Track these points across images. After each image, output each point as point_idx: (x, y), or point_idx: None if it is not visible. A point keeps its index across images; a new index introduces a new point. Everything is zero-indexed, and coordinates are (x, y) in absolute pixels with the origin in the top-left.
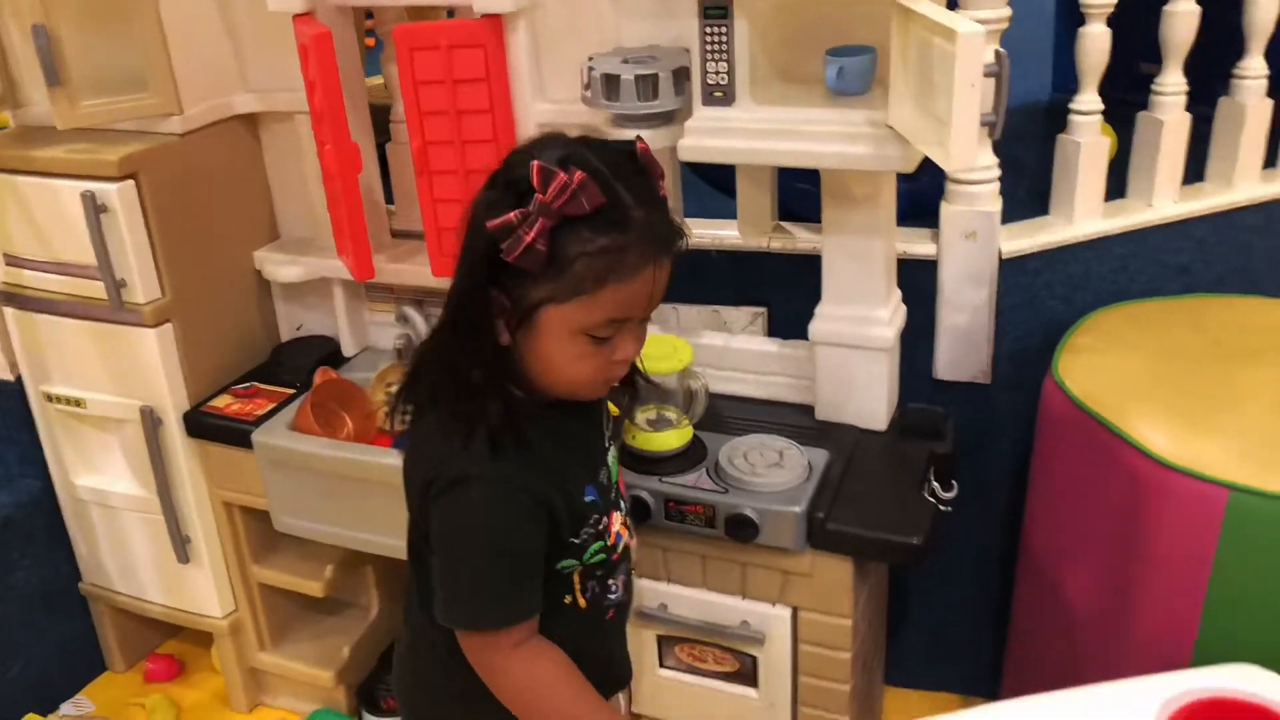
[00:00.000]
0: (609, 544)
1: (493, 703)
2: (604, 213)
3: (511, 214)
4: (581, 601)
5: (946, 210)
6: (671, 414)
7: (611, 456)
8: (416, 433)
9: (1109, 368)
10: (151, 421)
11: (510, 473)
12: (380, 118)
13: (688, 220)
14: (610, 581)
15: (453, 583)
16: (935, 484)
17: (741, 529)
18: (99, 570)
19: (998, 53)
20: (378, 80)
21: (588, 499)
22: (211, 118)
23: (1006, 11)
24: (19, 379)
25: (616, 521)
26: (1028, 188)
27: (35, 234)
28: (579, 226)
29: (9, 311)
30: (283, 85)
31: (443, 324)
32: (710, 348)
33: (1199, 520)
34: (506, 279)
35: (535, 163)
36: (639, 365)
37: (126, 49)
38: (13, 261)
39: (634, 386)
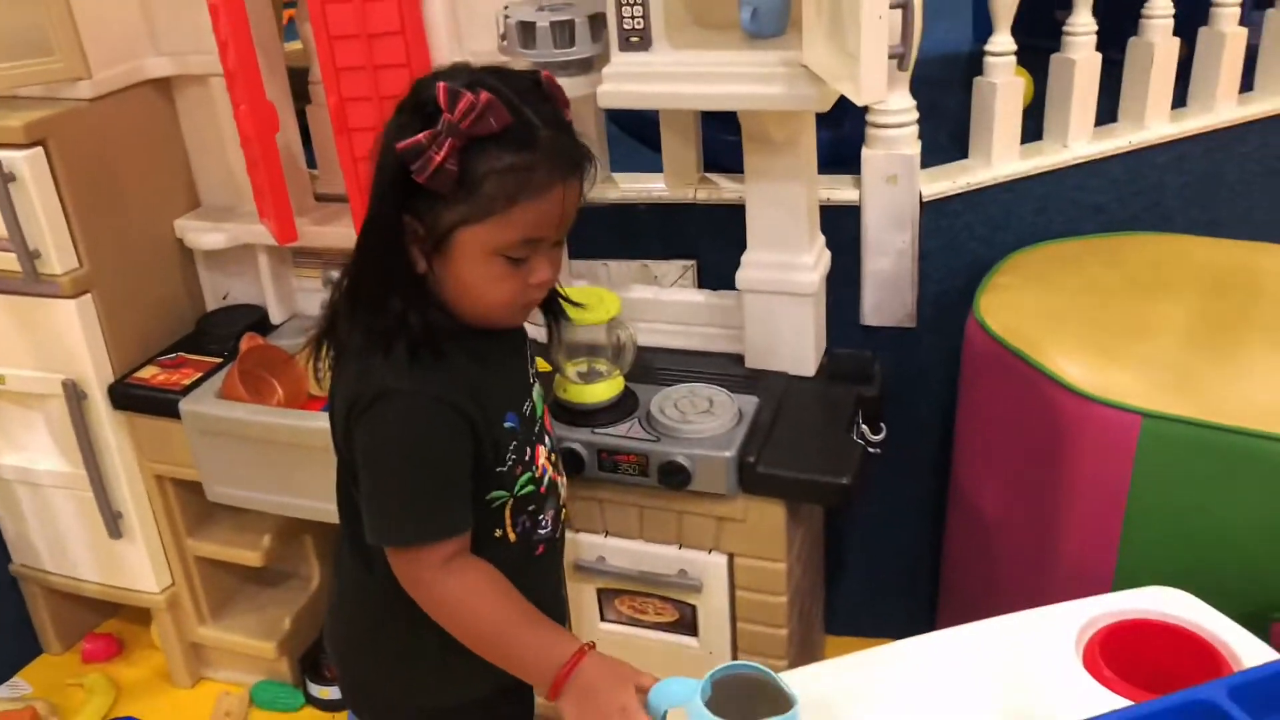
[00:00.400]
0: (535, 476)
1: (427, 658)
2: (511, 132)
3: (421, 135)
4: (511, 535)
5: (867, 155)
6: (602, 366)
7: (537, 393)
8: (337, 371)
9: (1028, 305)
10: (75, 395)
11: (430, 384)
12: (299, 81)
13: (615, 176)
14: (540, 516)
15: (380, 498)
16: (864, 427)
17: (674, 476)
18: (29, 550)
19: None
20: (297, 45)
21: (507, 424)
22: (122, 82)
23: None
24: None
25: (542, 455)
26: (949, 134)
27: None
28: (487, 146)
29: None
30: (196, 48)
31: (356, 256)
32: (640, 301)
33: (1114, 447)
34: (419, 205)
35: (441, 84)
36: (560, 291)
37: (29, 11)
38: None
39: (560, 314)
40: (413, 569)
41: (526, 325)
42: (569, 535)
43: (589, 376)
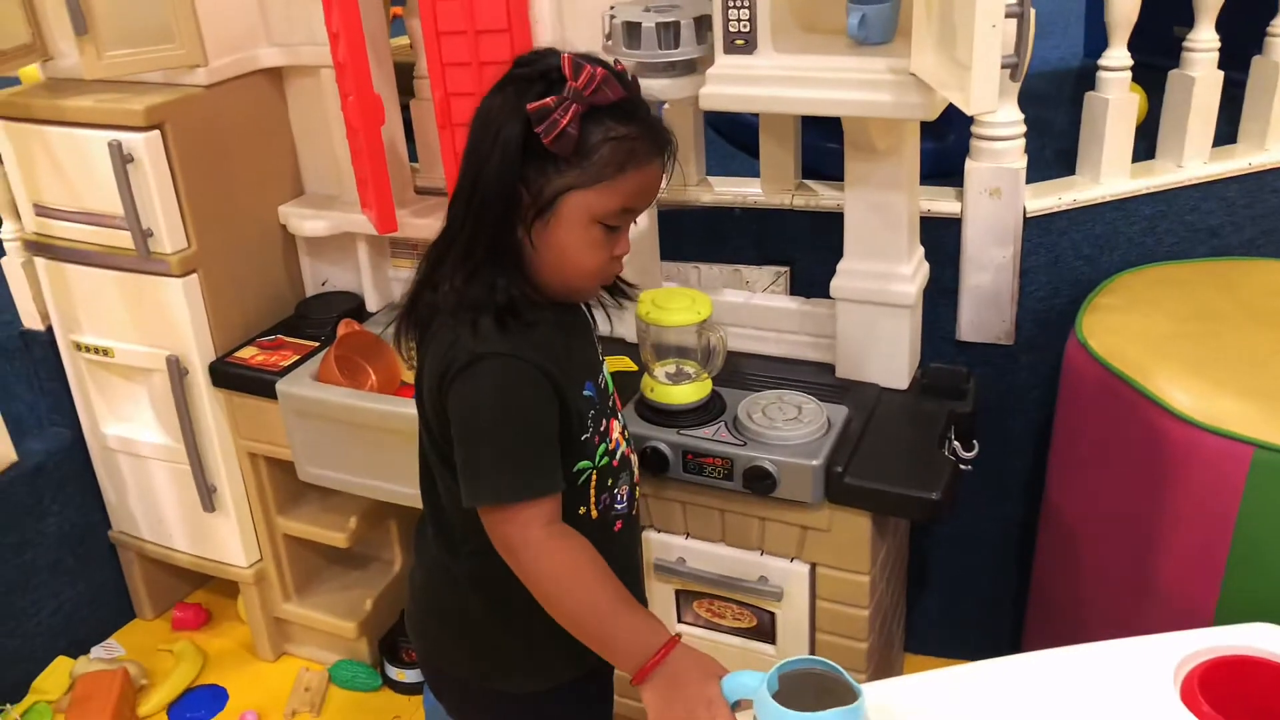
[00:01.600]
0: (610, 448)
1: (511, 644)
2: (623, 105)
3: (548, 99)
4: (594, 512)
5: (971, 166)
6: (690, 368)
7: (606, 369)
8: (425, 345)
9: (1133, 328)
10: (178, 371)
11: (522, 347)
12: (405, 77)
13: (710, 179)
14: (616, 491)
15: (475, 461)
16: (956, 443)
17: (759, 481)
18: (128, 518)
19: None
20: (402, 41)
21: (586, 393)
22: (236, 71)
23: None
24: (49, 328)
25: (616, 429)
26: (1055, 149)
27: (64, 184)
28: (602, 116)
29: (39, 261)
30: (307, 39)
31: (451, 228)
32: (731, 305)
33: (1222, 478)
34: (528, 171)
35: (565, 55)
36: (622, 277)
37: (154, 1)
38: (42, 212)
39: (624, 295)
40: (512, 530)
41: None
42: (650, 534)
43: (677, 377)
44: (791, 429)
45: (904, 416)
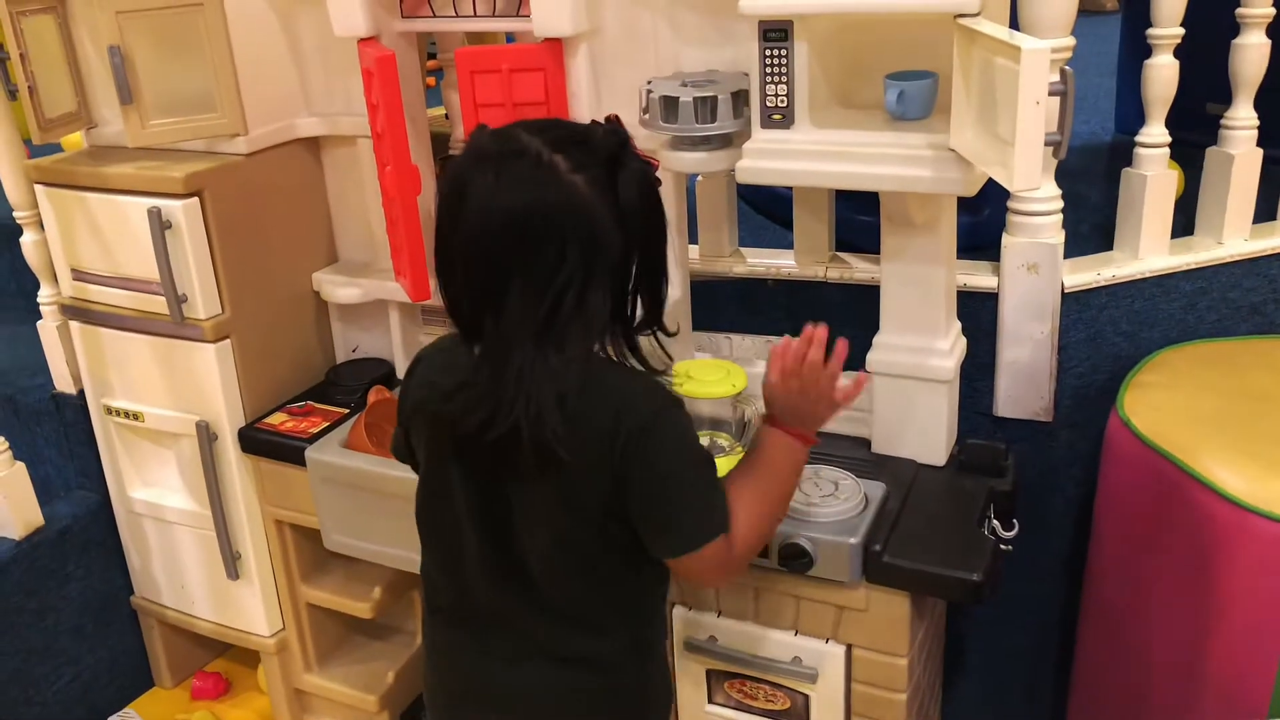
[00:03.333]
0: None
1: (663, 679)
2: None
3: (651, 162)
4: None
5: (1008, 241)
6: (724, 441)
7: None
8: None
9: (1177, 406)
10: (207, 436)
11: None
12: (440, 146)
13: (743, 250)
14: None
15: (692, 501)
16: (995, 522)
17: (795, 560)
18: (150, 584)
19: (1063, 70)
20: (439, 111)
21: None
22: (276, 140)
23: (1070, 40)
24: (81, 392)
25: None
26: (1091, 224)
27: (102, 249)
28: None
29: (74, 325)
30: (345, 110)
31: (581, 303)
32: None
33: (1275, 563)
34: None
35: (615, 122)
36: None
37: (196, 71)
38: (80, 276)
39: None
40: (720, 553)
41: None
42: (680, 612)
43: (711, 450)
44: (828, 505)
45: (942, 494)
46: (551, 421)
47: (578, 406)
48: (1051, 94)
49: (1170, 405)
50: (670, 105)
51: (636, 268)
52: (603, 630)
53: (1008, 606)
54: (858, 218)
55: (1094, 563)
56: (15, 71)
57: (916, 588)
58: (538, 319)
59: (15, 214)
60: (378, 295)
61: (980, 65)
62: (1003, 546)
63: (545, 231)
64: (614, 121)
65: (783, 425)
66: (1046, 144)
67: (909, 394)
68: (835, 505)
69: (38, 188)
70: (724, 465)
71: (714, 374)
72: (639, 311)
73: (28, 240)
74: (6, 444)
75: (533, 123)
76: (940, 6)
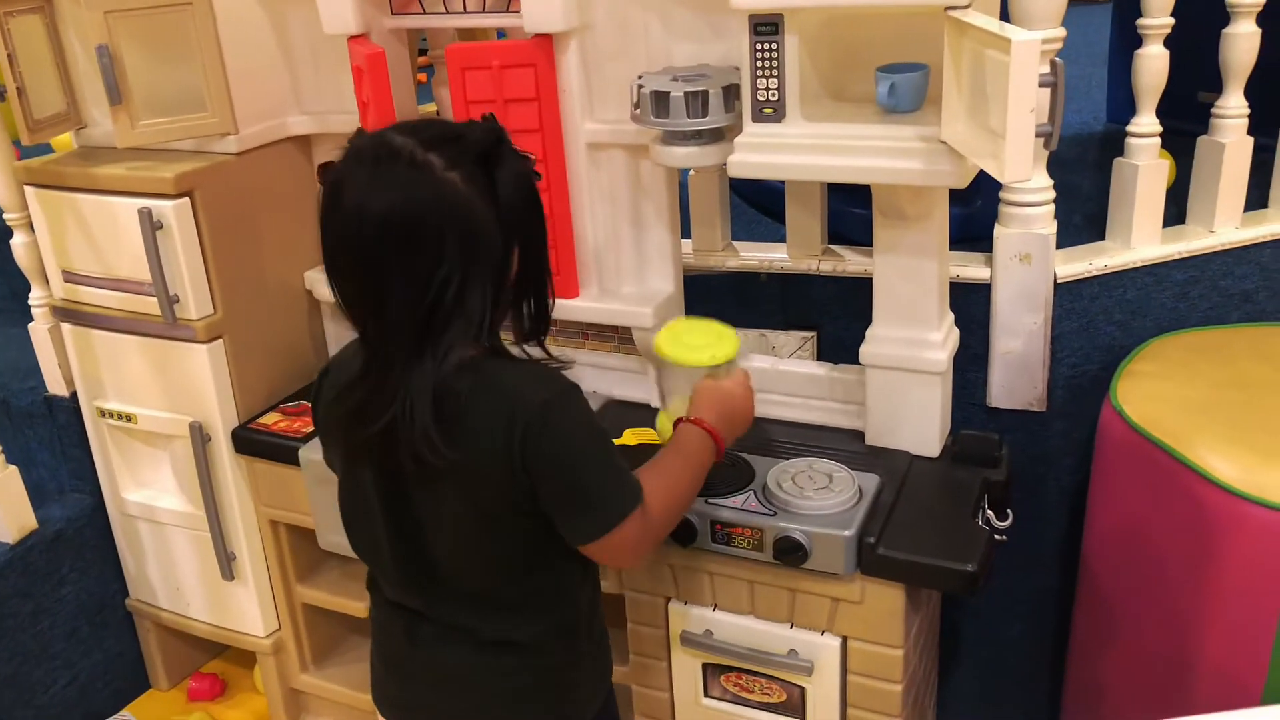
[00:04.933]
0: None
1: (584, 664)
2: None
3: (530, 158)
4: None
5: (1000, 232)
6: None
7: None
8: (461, 411)
9: (1170, 395)
10: (200, 437)
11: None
12: None
13: (735, 244)
14: None
15: (602, 481)
16: (990, 512)
17: (790, 553)
18: (145, 586)
19: (1053, 62)
20: (430, 107)
21: None
22: (266, 138)
23: (1061, 32)
24: (73, 394)
25: None
26: (1084, 215)
27: (93, 251)
28: None
29: (65, 327)
30: (336, 108)
31: (472, 290)
32: (758, 371)
33: (1270, 551)
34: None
35: (492, 118)
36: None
37: (185, 70)
38: (70, 278)
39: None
40: (637, 530)
41: None
42: (677, 606)
43: None
44: (822, 498)
45: (936, 485)
46: (423, 421)
47: (469, 404)
48: (1042, 85)
49: (1163, 394)
50: (661, 100)
51: (519, 265)
52: (521, 616)
53: (1002, 597)
54: (850, 210)
55: (1088, 552)
56: (3, 73)
57: (911, 579)
58: (416, 319)
59: (5, 215)
60: None
61: (971, 57)
62: (997, 537)
63: (421, 230)
64: (490, 119)
65: (705, 424)
66: (1037, 135)
67: (902, 386)
68: (829, 498)
69: (28, 189)
70: None
71: (701, 337)
72: (527, 313)
73: (18, 242)
74: None
75: (406, 123)
76: None
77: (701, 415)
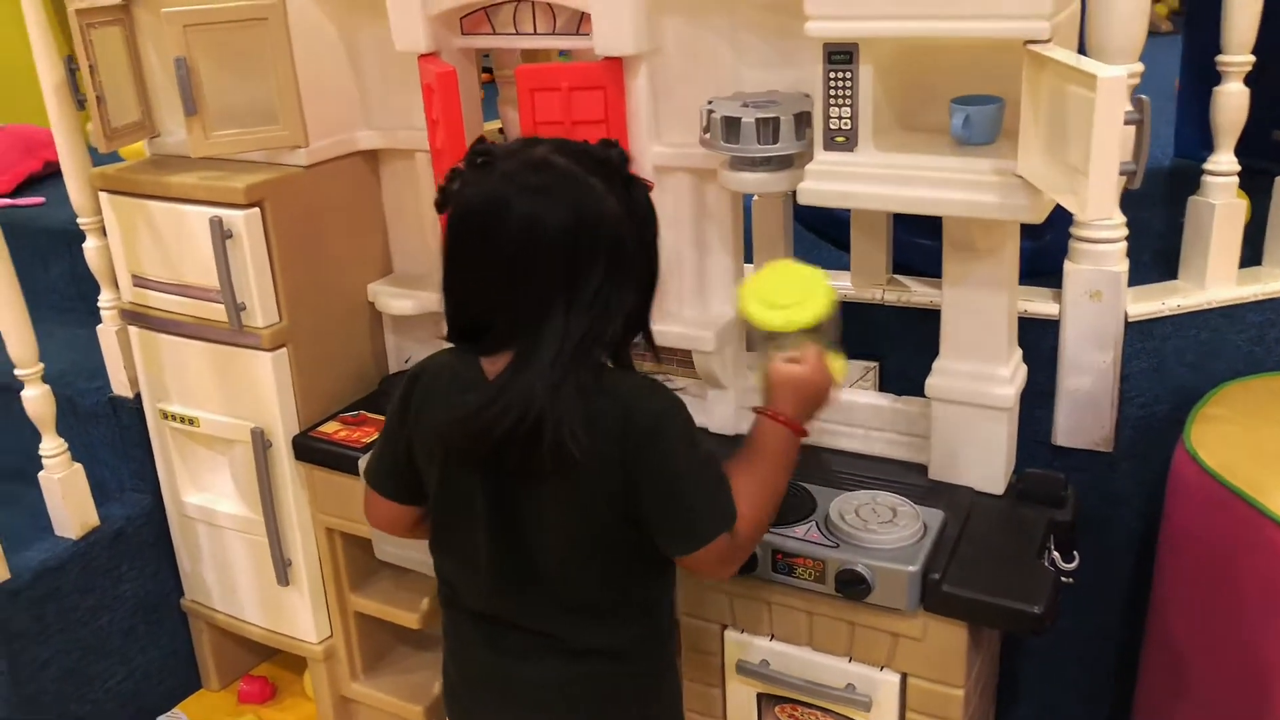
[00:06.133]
0: None
1: (672, 674)
2: None
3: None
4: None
5: (1071, 269)
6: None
7: None
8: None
9: (1246, 440)
10: (261, 443)
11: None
12: None
13: None
14: None
15: (705, 497)
16: (1055, 553)
17: (853, 586)
18: (201, 588)
19: (1139, 99)
20: (494, 124)
21: None
22: (335, 152)
23: (1140, 66)
24: (138, 396)
25: None
26: (1153, 251)
27: (163, 257)
28: None
29: (133, 330)
30: (404, 124)
31: (598, 308)
32: None
33: None
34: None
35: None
36: None
37: (258, 83)
38: (140, 283)
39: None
40: (729, 545)
41: None
42: (733, 635)
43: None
44: (886, 532)
45: (1001, 523)
46: (576, 429)
47: (593, 410)
48: (1127, 123)
49: (1238, 439)
50: (732, 126)
51: (647, 288)
52: (616, 622)
53: (1063, 638)
54: (914, 240)
55: (1157, 598)
56: (84, 81)
57: (975, 618)
58: (569, 328)
59: (79, 220)
60: (432, 307)
61: (1050, 92)
62: (1063, 579)
63: (590, 247)
64: (615, 143)
65: (782, 417)
66: (1121, 173)
67: (968, 421)
68: (893, 532)
69: (102, 194)
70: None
71: (794, 291)
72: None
73: (90, 246)
74: (65, 445)
75: (549, 143)
76: (1010, 32)
77: (780, 408)
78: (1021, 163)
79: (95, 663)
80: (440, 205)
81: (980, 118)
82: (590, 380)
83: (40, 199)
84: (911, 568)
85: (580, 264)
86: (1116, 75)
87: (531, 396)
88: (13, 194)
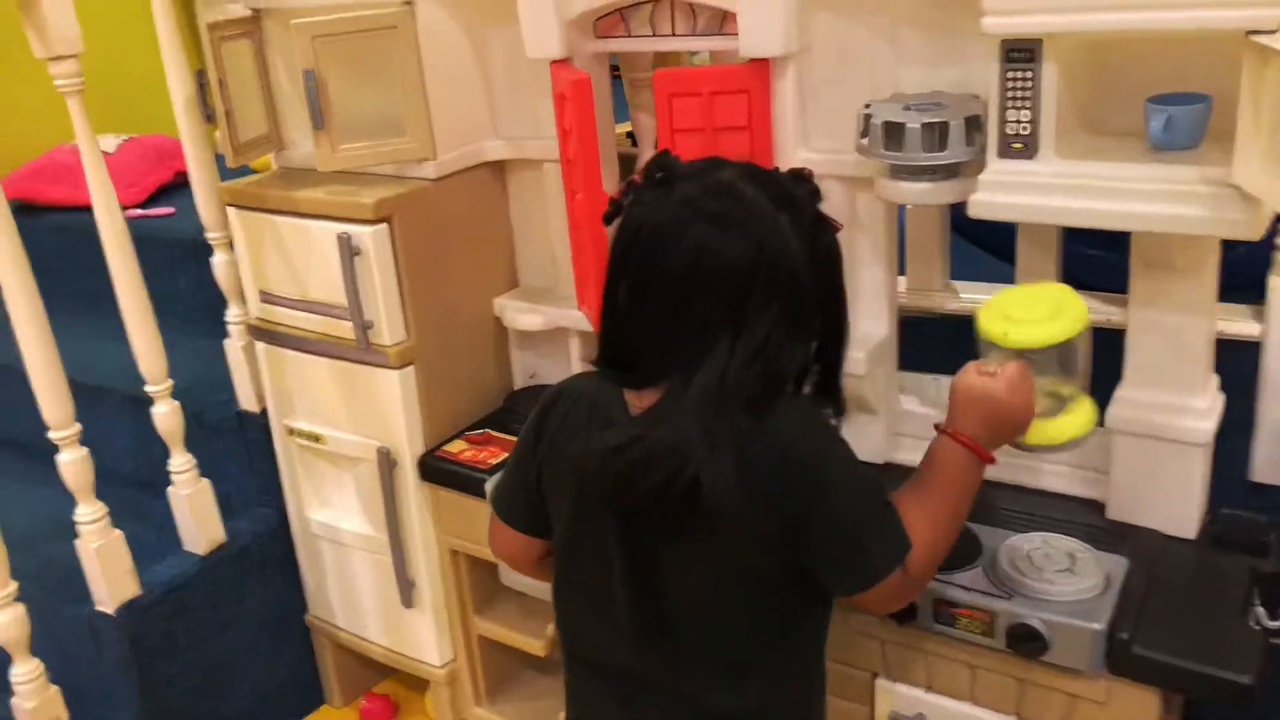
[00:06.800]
0: None
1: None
2: None
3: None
4: None
5: (1277, 284)
6: (1064, 389)
7: None
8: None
9: None
10: (387, 463)
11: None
12: (625, 169)
13: (954, 283)
14: None
15: (875, 533)
16: (1261, 609)
17: (1027, 642)
18: (324, 604)
19: None
20: (624, 127)
21: None
22: (463, 164)
23: None
24: (264, 411)
25: None
26: None
27: (290, 273)
28: None
29: (260, 346)
30: (532, 133)
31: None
32: None
33: None
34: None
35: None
36: None
37: (387, 95)
38: (267, 298)
39: None
40: (903, 579)
41: None
42: (883, 684)
43: (1050, 402)
44: (1064, 582)
45: (1195, 573)
46: (732, 484)
47: (748, 454)
48: None
49: None
50: (895, 132)
51: (821, 331)
52: (756, 682)
53: (1261, 705)
54: (1086, 251)
55: None
56: (213, 96)
57: (1170, 684)
58: (735, 376)
59: (207, 234)
60: (559, 323)
61: (1277, 89)
62: (1272, 640)
63: (766, 288)
64: (808, 176)
65: (965, 438)
66: None
67: (1156, 456)
68: (1072, 583)
69: (229, 209)
70: (1066, 425)
71: (1039, 309)
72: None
73: (217, 260)
74: (194, 461)
75: (737, 167)
76: (1232, 23)
77: (962, 427)
78: (1237, 170)
79: (220, 679)
80: (609, 217)
81: (1184, 119)
82: (748, 425)
83: (171, 209)
84: (1096, 625)
85: (752, 304)
86: None
87: (681, 443)
88: (144, 204)
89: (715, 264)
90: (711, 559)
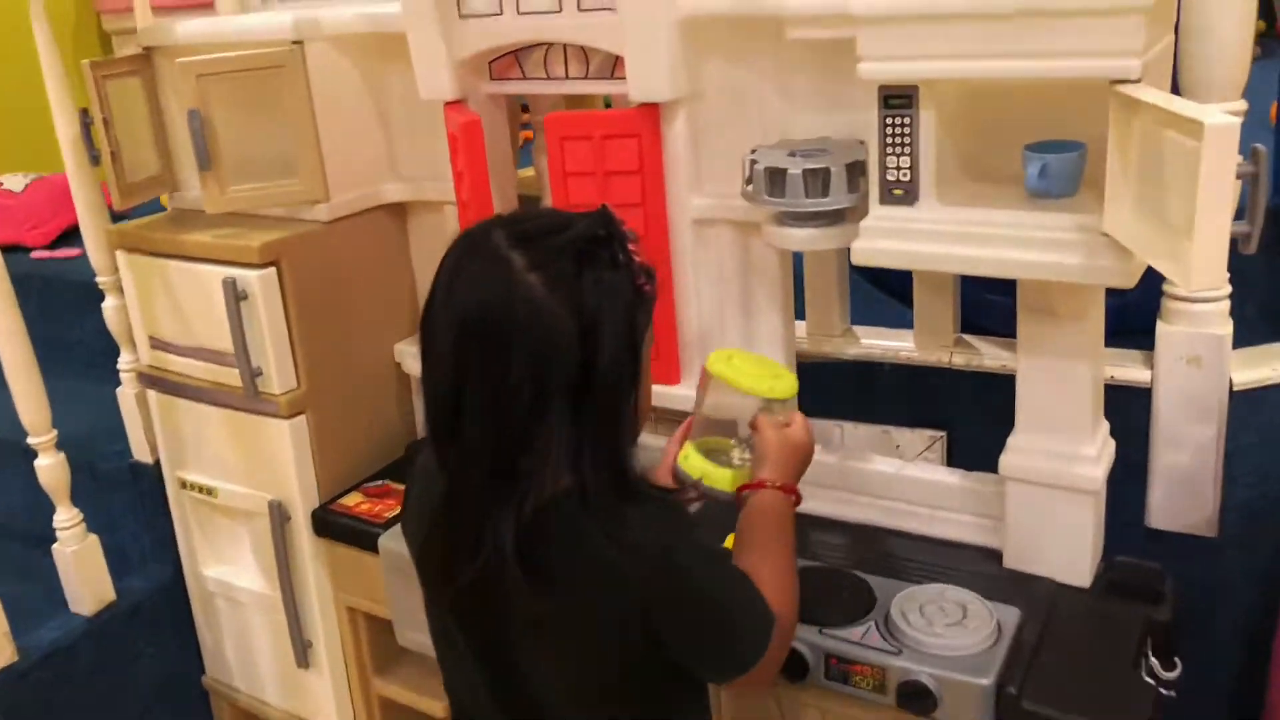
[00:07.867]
0: None
1: None
2: None
3: (640, 274)
4: None
5: (1165, 330)
6: (735, 452)
7: None
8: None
9: None
10: (279, 516)
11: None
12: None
13: (855, 329)
14: None
15: (741, 616)
16: (1154, 660)
17: (916, 700)
18: (223, 666)
19: (1255, 149)
20: (529, 172)
21: None
22: (359, 206)
23: (1243, 104)
24: (158, 462)
25: None
26: (1258, 305)
27: (179, 318)
28: None
29: (151, 394)
30: (432, 175)
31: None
32: (878, 475)
33: None
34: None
35: (607, 211)
36: None
37: (278, 136)
38: (157, 344)
39: None
40: (777, 645)
41: None
42: None
43: (716, 456)
44: (955, 636)
45: (1088, 623)
46: (512, 573)
47: (563, 552)
48: (1239, 177)
49: None
50: (777, 178)
51: (597, 391)
52: None
53: None
54: (986, 296)
55: (1273, 707)
56: (98, 136)
57: None
58: (490, 443)
59: (98, 278)
60: None
61: (1143, 138)
62: (1163, 691)
63: (494, 339)
64: (605, 212)
65: (790, 488)
66: (1232, 237)
67: (1048, 503)
68: (963, 636)
69: (119, 253)
70: (728, 476)
71: (758, 368)
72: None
73: (109, 305)
74: (81, 516)
75: (514, 213)
76: (1095, 72)
77: (775, 475)
78: (1108, 219)
79: None
80: None
81: (1060, 167)
82: (534, 515)
83: (78, 250)
84: (984, 680)
85: (484, 360)
86: (1227, 123)
87: (461, 529)
88: (51, 245)
89: (450, 316)
90: (560, 651)
